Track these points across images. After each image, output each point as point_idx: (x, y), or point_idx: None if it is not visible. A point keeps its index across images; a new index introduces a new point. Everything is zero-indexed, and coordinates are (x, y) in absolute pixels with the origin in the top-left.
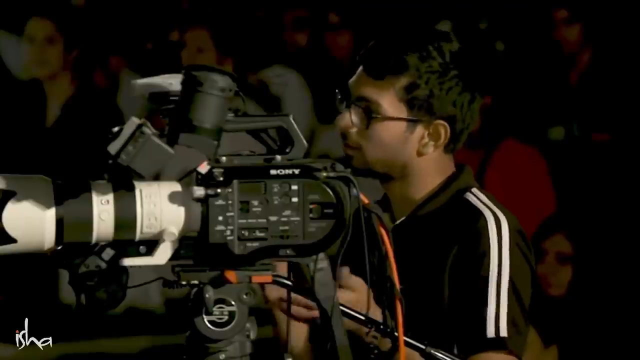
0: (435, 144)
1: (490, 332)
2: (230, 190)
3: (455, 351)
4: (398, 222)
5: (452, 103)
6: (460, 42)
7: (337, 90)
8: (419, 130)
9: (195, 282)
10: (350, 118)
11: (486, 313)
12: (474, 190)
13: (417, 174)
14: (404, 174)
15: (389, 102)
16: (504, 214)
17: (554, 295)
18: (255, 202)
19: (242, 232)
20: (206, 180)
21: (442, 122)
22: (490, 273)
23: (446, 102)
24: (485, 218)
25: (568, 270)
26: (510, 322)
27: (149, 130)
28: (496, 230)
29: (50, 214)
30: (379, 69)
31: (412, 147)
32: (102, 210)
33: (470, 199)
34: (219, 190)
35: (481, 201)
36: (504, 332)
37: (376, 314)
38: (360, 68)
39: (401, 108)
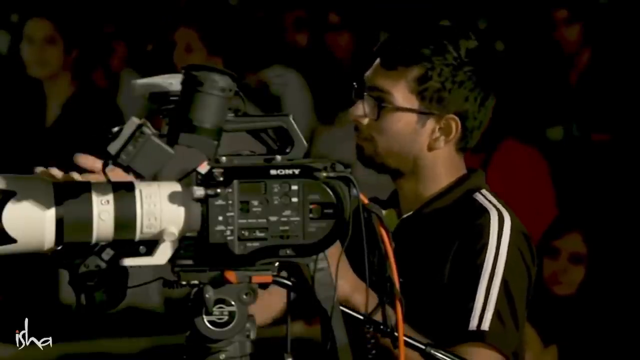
0: (446, 138)
1: (473, 325)
2: (230, 190)
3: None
4: (405, 216)
5: (465, 98)
6: (478, 41)
7: (354, 83)
8: (430, 123)
9: (195, 282)
10: (363, 108)
11: (473, 305)
12: (484, 191)
13: (427, 171)
14: (415, 170)
15: (401, 92)
16: (510, 215)
17: (562, 294)
18: (255, 202)
19: (242, 232)
20: (206, 180)
21: (453, 116)
22: (485, 266)
23: (458, 97)
24: (489, 215)
25: (581, 270)
26: (496, 316)
27: (149, 130)
28: (498, 226)
29: (50, 214)
30: (392, 59)
31: (423, 141)
32: (102, 210)
33: (478, 199)
34: (219, 190)
35: (489, 201)
36: (485, 326)
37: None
38: (377, 60)
39: (412, 99)
